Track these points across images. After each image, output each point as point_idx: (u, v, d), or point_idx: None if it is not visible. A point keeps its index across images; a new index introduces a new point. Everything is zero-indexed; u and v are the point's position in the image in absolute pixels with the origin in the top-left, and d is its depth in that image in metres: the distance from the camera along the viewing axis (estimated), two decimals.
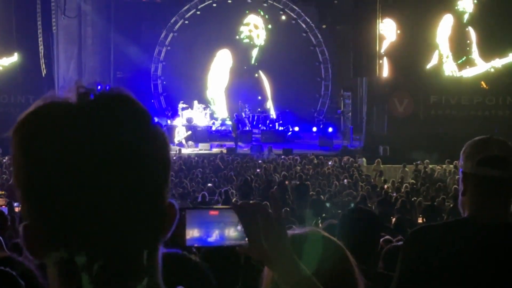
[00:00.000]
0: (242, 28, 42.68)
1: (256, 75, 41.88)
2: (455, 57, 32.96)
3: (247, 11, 42.42)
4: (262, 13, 42.23)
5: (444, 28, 33.04)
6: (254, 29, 42.58)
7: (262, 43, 42.54)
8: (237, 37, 42.64)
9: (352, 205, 18.67)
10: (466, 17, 33.16)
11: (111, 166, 1.36)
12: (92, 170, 1.35)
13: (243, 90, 40.76)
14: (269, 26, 42.18)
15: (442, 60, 33.06)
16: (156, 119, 1.53)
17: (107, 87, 1.50)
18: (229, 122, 38.50)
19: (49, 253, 1.39)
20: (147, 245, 1.43)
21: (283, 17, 41.83)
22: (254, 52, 42.58)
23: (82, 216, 1.35)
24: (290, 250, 1.96)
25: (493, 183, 3.06)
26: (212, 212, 2.05)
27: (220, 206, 2.14)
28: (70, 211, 1.35)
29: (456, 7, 32.92)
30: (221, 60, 42.43)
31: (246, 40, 42.76)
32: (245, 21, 42.66)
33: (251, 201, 2.02)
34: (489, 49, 32.51)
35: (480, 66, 32.79)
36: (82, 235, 1.37)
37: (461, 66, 32.96)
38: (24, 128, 1.42)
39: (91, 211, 1.35)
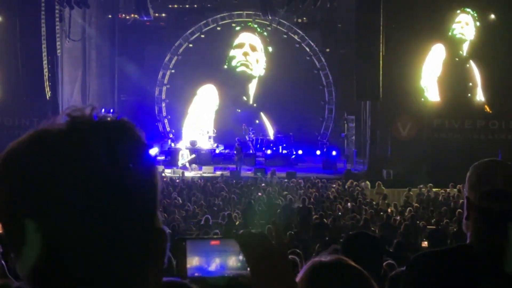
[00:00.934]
0: (233, 52, 42.71)
1: (258, 117, 41.61)
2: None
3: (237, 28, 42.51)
4: (258, 29, 42.28)
5: (434, 63, 33.37)
6: (251, 51, 42.55)
7: (262, 73, 42.58)
8: (228, 65, 42.68)
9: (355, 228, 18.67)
10: (464, 47, 33.37)
11: (97, 194, 1.36)
12: (76, 198, 1.34)
13: (244, 116, 40.86)
14: (269, 49, 42.19)
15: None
16: (149, 147, 1.51)
17: (102, 112, 1.49)
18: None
19: (39, 281, 1.38)
20: (137, 272, 1.42)
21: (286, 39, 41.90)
22: (253, 84, 42.62)
23: (68, 246, 1.35)
24: (293, 280, 1.94)
25: (496, 215, 3.05)
26: (213, 242, 2.05)
27: (220, 236, 2.10)
28: (54, 242, 1.34)
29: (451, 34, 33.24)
30: (208, 95, 42.33)
31: (241, 69, 42.77)
32: (236, 42, 42.82)
33: (253, 231, 2.01)
34: (495, 87, 32.73)
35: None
36: (70, 264, 1.35)
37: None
38: (7, 161, 1.42)
39: (78, 242, 1.34)
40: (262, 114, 41.33)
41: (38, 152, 1.39)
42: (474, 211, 3.13)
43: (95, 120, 1.46)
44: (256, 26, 42.27)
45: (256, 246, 1.92)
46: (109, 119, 1.48)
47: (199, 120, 40.22)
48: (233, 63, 42.82)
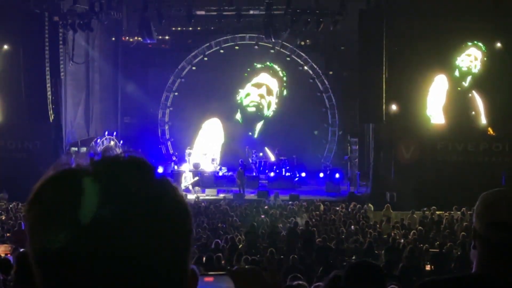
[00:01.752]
0: (250, 90, 42.89)
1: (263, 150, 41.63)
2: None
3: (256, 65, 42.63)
4: (279, 72, 42.57)
5: (437, 92, 33.50)
6: (267, 95, 42.74)
7: (271, 114, 42.72)
8: (241, 100, 42.84)
9: (358, 249, 18.57)
10: (468, 79, 33.49)
11: (126, 237, 1.34)
12: (107, 243, 1.33)
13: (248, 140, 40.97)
14: (284, 92, 42.39)
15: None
16: (174, 186, 1.50)
17: (123, 153, 1.48)
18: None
19: None
20: None
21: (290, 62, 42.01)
22: (259, 124, 42.81)
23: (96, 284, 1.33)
24: None
25: (501, 246, 3.02)
26: (207, 279, 2.02)
27: (214, 272, 2.07)
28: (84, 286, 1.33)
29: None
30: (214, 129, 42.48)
31: (253, 109, 42.94)
32: (255, 80, 42.97)
33: (246, 267, 1.99)
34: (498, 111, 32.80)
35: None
36: None
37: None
38: (38, 201, 1.40)
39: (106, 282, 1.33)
40: (266, 149, 41.16)
41: (67, 193, 1.37)
42: (480, 241, 3.10)
43: (118, 160, 1.45)
44: (277, 67, 42.41)
45: (250, 282, 1.89)
46: (128, 159, 1.47)
47: (204, 148, 40.22)
48: (247, 101, 42.91)
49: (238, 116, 42.71)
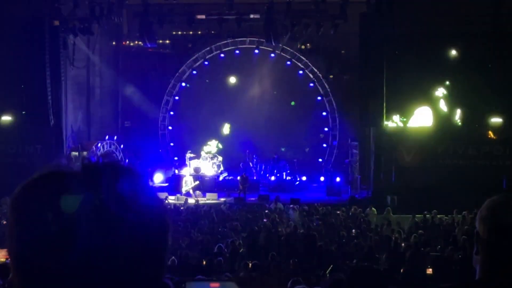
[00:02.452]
0: None
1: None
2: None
3: None
4: None
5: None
6: None
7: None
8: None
9: (358, 253, 18.55)
10: None
11: (107, 241, 1.33)
12: (86, 245, 1.32)
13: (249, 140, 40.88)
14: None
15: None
16: (159, 197, 1.49)
17: (117, 160, 1.47)
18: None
19: None
20: None
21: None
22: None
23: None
24: None
25: (504, 251, 2.98)
26: (213, 285, 2.00)
27: (221, 279, 2.05)
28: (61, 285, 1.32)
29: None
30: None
31: None
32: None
33: (252, 273, 1.98)
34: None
35: None
36: None
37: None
38: (19, 199, 1.40)
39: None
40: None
41: (49, 193, 1.38)
42: (482, 245, 3.06)
43: (105, 164, 1.45)
44: (257, 51, 42.38)
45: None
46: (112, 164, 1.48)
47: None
48: None
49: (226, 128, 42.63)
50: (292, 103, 41.72)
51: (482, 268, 3.07)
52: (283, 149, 41.00)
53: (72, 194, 1.35)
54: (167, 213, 1.50)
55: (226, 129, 42.51)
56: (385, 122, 32.90)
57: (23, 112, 34.16)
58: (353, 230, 23.83)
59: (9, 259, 1.41)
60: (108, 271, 1.33)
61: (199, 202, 32.58)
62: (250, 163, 39.61)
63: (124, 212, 1.36)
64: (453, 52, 32.99)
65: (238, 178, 35.97)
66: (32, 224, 1.34)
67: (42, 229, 1.33)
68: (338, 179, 37.54)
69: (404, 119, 33.03)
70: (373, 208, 28.86)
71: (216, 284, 1.98)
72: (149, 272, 1.40)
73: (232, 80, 42.56)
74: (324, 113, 42.08)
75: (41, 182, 1.42)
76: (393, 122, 33.08)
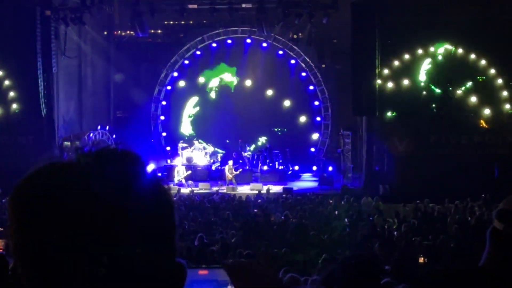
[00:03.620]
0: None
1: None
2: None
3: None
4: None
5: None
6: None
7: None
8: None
9: (350, 242, 18.58)
10: None
11: (108, 228, 1.32)
12: (88, 233, 1.31)
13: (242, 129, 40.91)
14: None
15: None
16: (158, 175, 1.48)
17: (110, 145, 1.46)
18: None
19: None
20: None
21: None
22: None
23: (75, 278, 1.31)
24: None
25: (506, 236, 2.97)
26: (202, 272, 1.99)
27: (210, 266, 2.03)
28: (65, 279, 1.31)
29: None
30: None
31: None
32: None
33: (242, 260, 1.97)
34: None
35: None
36: None
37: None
38: (19, 195, 1.39)
39: (88, 276, 1.31)
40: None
41: (49, 186, 1.37)
42: (489, 232, 3.06)
43: (104, 152, 1.47)
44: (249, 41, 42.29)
45: (245, 276, 1.87)
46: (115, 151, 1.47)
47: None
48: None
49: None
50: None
51: (487, 255, 3.07)
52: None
53: (70, 185, 1.35)
54: (168, 193, 1.49)
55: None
56: (377, 112, 32.94)
57: (14, 105, 34.12)
58: (346, 219, 23.87)
59: (14, 255, 1.39)
60: (117, 260, 1.32)
61: (193, 191, 32.56)
62: (243, 153, 39.60)
63: (124, 196, 1.35)
64: (446, 42, 33.11)
65: (226, 167, 36.00)
66: (36, 220, 1.33)
67: (46, 224, 1.32)
68: (330, 168, 37.62)
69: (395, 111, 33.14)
70: (369, 198, 28.87)
71: (205, 272, 1.97)
72: (160, 254, 1.39)
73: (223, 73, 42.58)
74: (316, 103, 42.04)
75: (38, 176, 1.41)
76: (386, 111, 33.15)
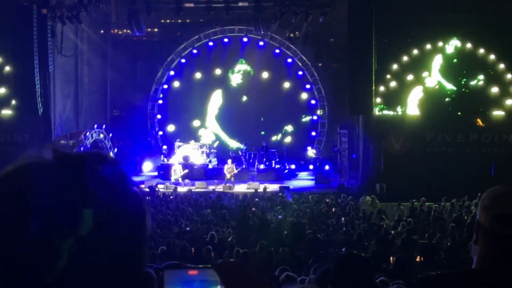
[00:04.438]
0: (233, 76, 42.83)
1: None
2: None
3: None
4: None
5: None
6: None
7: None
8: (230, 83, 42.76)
9: (346, 242, 18.58)
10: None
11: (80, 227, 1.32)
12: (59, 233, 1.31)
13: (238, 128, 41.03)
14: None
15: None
16: (131, 181, 1.48)
17: (83, 148, 1.47)
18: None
19: None
20: None
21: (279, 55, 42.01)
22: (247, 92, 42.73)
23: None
24: None
25: (506, 240, 2.96)
26: (191, 272, 1.99)
27: (199, 266, 2.03)
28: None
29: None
30: (215, 100, 42.63)
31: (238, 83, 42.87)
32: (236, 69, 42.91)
33: (231, 260, 1.97)
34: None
35: None
36: None
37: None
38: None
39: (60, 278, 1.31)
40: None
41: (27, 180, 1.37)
42: (483, 235, 3.04)
43: (79, 153, 1.46)
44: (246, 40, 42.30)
45: (236, 275, 1.87)
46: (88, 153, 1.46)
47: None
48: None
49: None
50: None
51: (480, 257, 3.06)
52: (262, 133, 41.20)
53: (41, 184, 1.34)
54: (143, 201, 1.48)
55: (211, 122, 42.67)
56: (374, 110, 32.96)
57: (11, 103, 34.11)
58: (342, 218, 23.87)
59: None
60: (86, 263, 1.31)
61: (191, 190, 32.57)
62: (239, 152, 39.61)
63: (91, 200, 1.35)
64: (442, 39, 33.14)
65: (225, 165, 35.98)
66: (5, 222, 1.33)
67: (15, 226, 1.32)
68: (327, 167, 37.62)
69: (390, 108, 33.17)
70: (367, 197, 28.83)
71: (195, 272, 1.97)
72: (129, 261, 1.39)
73: (218, 71, 42.57)
74: (313, 101, 42.07)
75: (9, 176, 1.41)
76: (382, 110, 33.17)
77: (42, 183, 1.36)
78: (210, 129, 42.51)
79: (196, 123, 42.51)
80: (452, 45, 33.09)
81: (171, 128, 42.79)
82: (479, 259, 3.06)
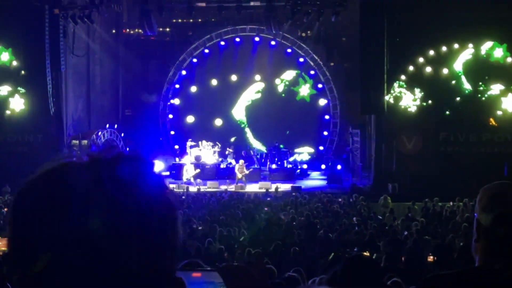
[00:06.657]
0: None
1: None
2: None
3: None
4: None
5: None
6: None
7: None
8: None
9: (358, 239, 18.53)
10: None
11: (112, 232, 1.29)
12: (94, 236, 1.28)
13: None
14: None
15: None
16: (168, 184, 1.46)
17: (123, 149, 1.44)
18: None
19: None
20: None
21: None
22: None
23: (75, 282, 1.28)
24: None
25: (507, 238, 2.95)
26: (195, 274, 1.96)
27: (204, 268, 2.02)
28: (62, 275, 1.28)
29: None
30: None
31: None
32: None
33: (235, 263, 1.95)
34: None
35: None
36: None
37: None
38: (23, 197, 1.36)
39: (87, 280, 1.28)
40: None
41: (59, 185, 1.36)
42: (484, 234, 3.03)
43: (116, 156, 1.43)
44: (257, 39, 42.30)
45: (239, 279, 1.85)
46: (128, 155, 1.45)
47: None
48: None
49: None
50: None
51: (482, 256, 3.05)
52: (287, 132, 41.26)
53: (79, 187, 1.32)
54: (173, 202, 1.45)
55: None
56: (386, 110, 32.87)
57: (23, 104, 34.24)
58: (354, 218, 23.81)
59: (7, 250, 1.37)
60: (115, 265, 1.29)
61: (200, 190, 32.61)
62: (251, 151, 39.62)
63: (129, 201, 1.32)
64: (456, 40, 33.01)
65: (236, 165, 35.98)
66: (38, 223, 1.31)
67: (49, 226, 1.29)
68: (339, 167, 37.56)
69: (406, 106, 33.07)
70: (388, 198, 28.51)
71: (198, 274, 1.94)
72: (158, 264, 1.36)
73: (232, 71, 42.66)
74: (325, 101, 42.04)
75: (46, 177, 1.38)
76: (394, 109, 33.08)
77: (81, 182, 1.33)
78: (235, 116, 42.55)
79: (218, 121, 42.62)
80: (485, 48, 32.89)
81: (190, 119, 42.81)
82: (482, 257, 3.05)
